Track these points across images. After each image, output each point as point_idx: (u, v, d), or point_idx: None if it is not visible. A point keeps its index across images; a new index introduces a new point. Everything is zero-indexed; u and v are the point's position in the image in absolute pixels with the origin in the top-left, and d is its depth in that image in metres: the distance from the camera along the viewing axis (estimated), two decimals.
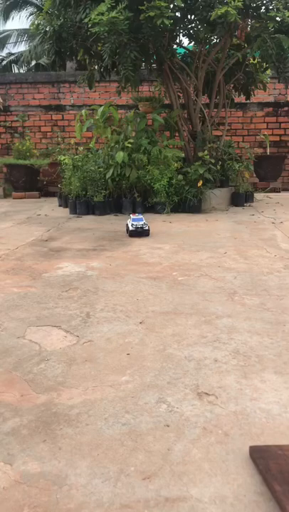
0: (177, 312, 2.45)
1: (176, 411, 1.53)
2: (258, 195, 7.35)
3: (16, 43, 17.50)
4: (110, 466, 1.28)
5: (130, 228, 4.34)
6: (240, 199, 6.38)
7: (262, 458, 1.24)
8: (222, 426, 1.45)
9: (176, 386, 1.69)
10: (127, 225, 4.47)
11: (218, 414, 1.51)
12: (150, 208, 5.79)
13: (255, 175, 8.30)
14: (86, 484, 1.22)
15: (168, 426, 1.45)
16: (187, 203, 5.73)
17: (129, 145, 5.64)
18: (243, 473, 1.24)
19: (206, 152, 5.71)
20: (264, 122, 9.01)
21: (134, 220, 4.41)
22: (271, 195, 7.79)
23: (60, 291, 2.79)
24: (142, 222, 4.36)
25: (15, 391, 1.68)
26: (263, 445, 1.31)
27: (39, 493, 1.19)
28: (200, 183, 5.64)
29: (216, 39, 6.22)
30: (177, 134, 6.67)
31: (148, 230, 4.38)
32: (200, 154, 5.74)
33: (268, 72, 6.77)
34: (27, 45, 16.16)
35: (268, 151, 8.58)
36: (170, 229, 4.81)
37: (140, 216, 4.47)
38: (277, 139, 9.04)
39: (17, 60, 15.83)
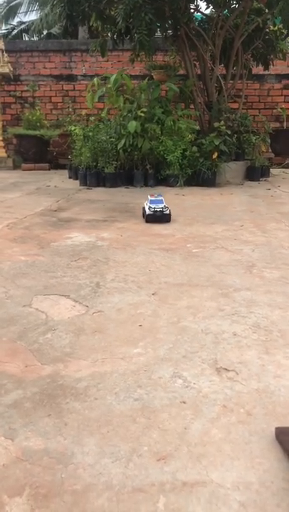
0: (192, 284, 2.31)
1: (193, 387, 1.40)
2: (273, 171, 7.09)
3: (26, 12, 17.03)
4: (121, 445, 1.16)
5: (147, 212, 3.61)
6: (255, 173, 6.16)
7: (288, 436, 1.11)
8: (244, 404, 1.31)
9: (193, 360, 1.56)
10: (144, 208, 3.75)
11: (239, 392, 1.38)
12: (162, 180, 5.60)
13: (270, 150, 8.03)
14: (94, 464, 1.10)
15: (184, 403, 1.32)
16: (201, 176, 5.53)
17: (142, 114, 5.41)
18: (269, 457, 1.12)
19: (222, 123, 5.47)
20: (281, 95, 8.67)
21: (152, 202, 3.64)
22: (287, 170, 7.53)
23: (69, 261, 2.66)
24: (161, 205, 3.60)
25: (19, 361, 1.56)
26: None
27: (42, 471, 1.08)
28: (215, 155, 5.43)
29: (236, 3, 5.90)
30: (192, 105, 6.42)
31: (169, 214, 3.62)
32: (216, 125, 5.51)
33: (288, 39, 6.44)
34: (38, 14, 15.71)
35: (285, 125, 8.27)
36: (183, 202, 4.63)
37: (160, 198, 3.69)
38: None
39: (28, 29, 15.40)
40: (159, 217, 3.60)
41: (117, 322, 1.87)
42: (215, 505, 0.97)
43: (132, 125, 5.28)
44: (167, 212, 3.62)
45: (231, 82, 6.44)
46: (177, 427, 1.22)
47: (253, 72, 7.29)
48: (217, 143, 5.38)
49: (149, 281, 2.35)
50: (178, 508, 0.97)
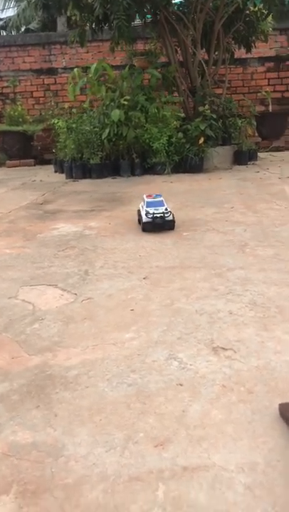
0: (184, 266, 2.23)
1: (189, 368, 1.32)
2: (261, 154, 7.01)
3: (3, 9, 16.77)
4: (115, 433, 1.08)
5: (144, 219, 2.79)
6: (243, 157, 6.07)
7: None
8: (244, 383, 1.24)
9: (188, 341, 1.48)
10: (138, 212, 2.99)
11: (238, 370, 1.30)
12: (149, 169, 5.50)
13: (257, 134, 7.95)
14: (87, 455, 1.02)
15: (181, 385, 1.25)
16: (188, 163, 5.43)
17: (126, 102, 5.30)
18: (274, 435, 1.04)
19: (206, 107, 5.37)
20: (265, 78, 8.57)
21: (149, 204, 2.84)
22: (275, 153, 7.46)
23: (55, 251, 2.56)
24: (162, 209, 2.81)
25: (4, 353, 1.47)
26: None
27: (31, 466, 0.99)
28: (201, 140, 5.33)
29: None
30: (176, 92, 6.31)
31: (173, 221, 2.84)
32: (201, 109, 5.40)
33: (269, 19, 6.34)
34: (15, 10, 15.47)
35: (270, 108, 8.19)
36: (171, 188, 4.54)
37: (159, 198, 2.89)
38: (279, 95, 8.61)
39: (5, 25, 15.16)
40: (160, 225, 2.79)
41: (107, 308, 1.79)
42: (219, 490, 0.89)
43: (116, 114, 5.17)
44: (170, 218, 2.81)
45: (214, 67, 6.34)
46: (175, 411, 1.14)
47: (236, 56, 7.18)
48: (203, 128, 5.28)
49: (139, 266, 2.27)
50: (179, 496, 0.89)
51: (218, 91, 6.77)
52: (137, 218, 3.06)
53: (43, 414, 1.17)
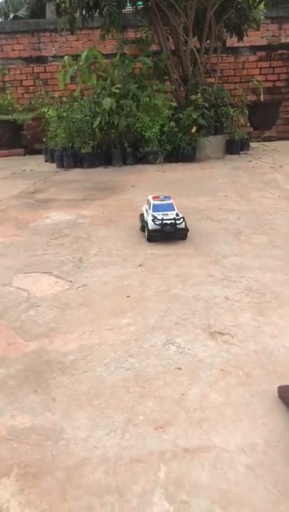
0: (179, 254, 2.22)
1: (187, 352, 1.32)
2: (253, 144, 7.00)
3: None
4: (115, 416, 1.08)
5: (151, 226, 2.35)
6: (235, 146, 6.06)
7: None
8: (242, 366, 1.24)
9: (185, 326, 1.48)
10: (142, 217, 2.57)
11: (236, 354, 1.30)
12: (142, 158, 5.47)
13: (249, 123, 7.93)
14: (87, 438, 1.02)
15: (180, 369, 1.25)
16: (181, 152, 5.41)
17: (117, 91, 5.25)
18: (274, 416, 1.05)
19: (198, 95, 5.34)
20: (257, 68, 8.55)
21: (156, 208, 2.42)
22: (266, 143, 7.45)
23: (49, 239, 2.54)
24: (172, 214, 2.39)
25: (0, 340, 1.46)
26: None
27: (30, 450, 0.99)
28: (194, 129, 5.31)
29: None
30: (168, 81, 6.26)
31: (185, 229, 2.38)
32: (193, 98, 5.37)
33: (261, 7, 6.30)
34: None
35: (262, 97, 8.17)
36: (164, 177, 4.52)
37: (168, 201, 2.49)
38: (270, 85, 8.60)
39: None
40: (170, 234, 2.33)
41: (103, 295, 1.78)
42: (220, 470, 0.90)
43: (107, 102, 5.12)
44: (182, 225, 2.36)
45: (205, 56, 6.30)
46: (174, 394, 1.14)
47: (228, 45, 7.14)
48: (195, 116, 5.26)
49: (134, 253, 2.26)
50: (180, 476, 0.89)
51: (210, 80, 6.73)
52: (139, 224, 2.59)
53: (41, 398, 1.16)
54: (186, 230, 2.38)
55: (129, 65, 5.60)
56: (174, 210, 2.43)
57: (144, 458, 0.94)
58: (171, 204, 2.48)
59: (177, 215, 2.39)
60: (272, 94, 8.65)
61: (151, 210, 2.42)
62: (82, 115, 5.38)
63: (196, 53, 6.03)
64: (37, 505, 0.85)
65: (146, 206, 2.57)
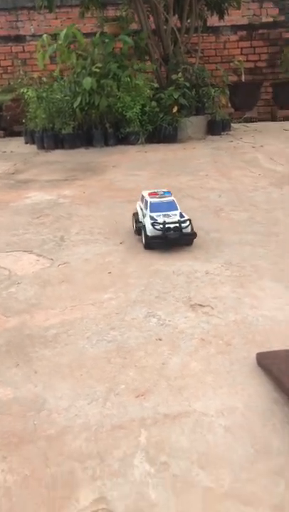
0: None
1: (168, 324, 1.34)
2: (234, 125, 6.99)
3: None
4: (97, 386, 1.09)
5: (150, 231, 1.91)
6: (217, 127, 6.04)
7: (273, 363, 1.07)
8: (222, 336, 1.26)
9: (166, 300, 1.49)
10: (135, 216, 2.14)
11: (216, 325, 1.32)
12: (123, 139, 5.41)
13: (230, 104, 7.91)
14: (69, 407, 1.02)
15: (160, 340, 1.26)
16: (162, 132, 5.37)
17: (97, 70, 5.16)
18: (253, 382, 1.07)
19: (180, 74, 5.29)
20: (238, 47, 8.48)
21: (155, 207, 1.99)
22: (248, 124, 7.45)
23: (29, 219, 2.52)
24: (175, 215, 1.96)
25: None
26: (272, 351, 1.13)
27: (13, 421, 0.99)
28: (175, 109, 5.27)
29: None
30: (149, 61, 6.18)
31: (193, 233, 1.94)
32: (174, 77, 5.32)
33: None
34: None
35: (243, 78, 8.14)
36: (146, 158, 4.50)
37: (169, 197, 2.04)
38: (251, 65, 8.56)
39: None
40: (175, 240, 1.90)
41: (84, 272, 1.78)
42: (200, 433, 0.92)
43: (87, 81, 5.04)
44: (189, 229, 1.92)
45: (186, 35, 6.23)
46: (155, 364, 1.15)
47: (208, 24, 7.07)
48: (176, 96, 5.22)
49: (115, 231, 2.25)
50: (161, 440, 0.91)
51: (192, 60, 6.67)
52: (133, 226, 2.15)
53: (23, 371, 1.16)
54: (193, 234, 1.92)
55: (109, 43, 5.51)
56: (176, 209, 1.98)
57: (125, 425, 0.95)
58: (173, 202, 2.01)
59: (181, 215, 1.95)
60: (253, 74, 8.60)
61: (148, 210, 1.97)
62: (63, 95, 5.29)
63: (177, 32, 5.95)
64: (19, 472, 0.86)
65: (140, 204, 2.14)
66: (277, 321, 1.32)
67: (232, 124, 6.74)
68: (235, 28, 8.39)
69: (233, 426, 0.92)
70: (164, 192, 2.10)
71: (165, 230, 1.88)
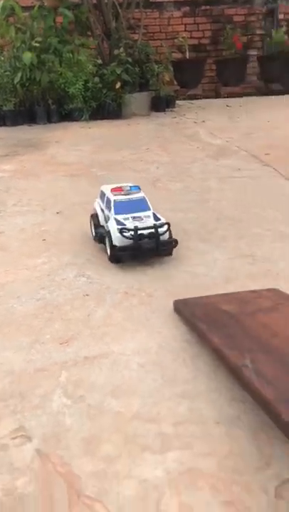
0: None
1: (96, 282, 1.41)
2: (179, 102, 7.07)
3: None
4: (23, 339, 1.15)
5: (118, 240, 1.50)
6: (161, 104, 6.09)
7: (186, 308, 1.16)
8: (145, 289, 1.35)
9: (97, 262, 1.56)
10: (94, 219, 1.74)
11: (141, 280, 1.41)
12: (67, 115, 5.36)
13: (175, 82, 7.96)
14: None
15: (87, 295, 1.33)
16: (106, 109, 5.37)
17: (37, 44, 5.07)
18: (169, 326, 1.16)
19: (121, 50, 5.29)
20: (182, 24, 8.50)
21: (120, 207, 1.60)
22: (193, 101, 7.55)
23: None
24: (148, 217, 1.58)
25: None
26: (186, 298, 1.23)
27: None
28: (118, 85, 5.27)
29: None
30: (90, 35, 6.10)
31: (172, 241, 1.56)
32: (116, 52, 5.31)
33: None
34: None
35: (187, 55, 8.19)
36: (89, 134, 4.50)
37: (137, 194, 1.67)
38: (195, 42, 8.61)
39: None
40: (151, 251, 1.51)
41: (20, 240, 1.81)
42: (116, 371, 1.00)
43: (27, 56, 4.94)
44: (166, 235, 1.54)
45: (128, 10, 6.18)
46: (80, 316, 1.23)
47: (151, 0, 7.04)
48: (119, 72, 5.21)
49: (54, 203, 2.28)
50: (80, 379, 0.98)
51: (136, 37, 6.64)
52: (91, 231, 1.74)
53: None
54: (173, 241, 1.54)
55: (48, 17, 5.40)
56: (148, 208, 1.59)
57: (47, 368, 1.02)
58: (144, 199, 1.62)
59: (156, 217, 1.57)
60: (197, 51, 8.66)
61: (112, 211, 1.57)
62: (3, 71, 5.16)
63: (118, 7, 5.90)
64: None
65: (99, 201, 1.74)
66: (197, 274, 1.42)
67: (177, 101, 6.81)
68: (178, 4, 8.39)
69: (146, 363, 1.01)
70: (131, 187, 1.67)
71: (137, 238, 1.47)
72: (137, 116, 5.65)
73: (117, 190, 1.66)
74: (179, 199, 2.26)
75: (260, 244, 1.66)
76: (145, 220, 1.54)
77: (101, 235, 1.63)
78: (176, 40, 8.34)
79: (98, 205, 1.75)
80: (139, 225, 1.51)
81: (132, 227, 1.48)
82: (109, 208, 1.62)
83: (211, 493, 0.69)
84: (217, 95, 8.41)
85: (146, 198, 1.64)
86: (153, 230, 1.49)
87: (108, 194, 1.66)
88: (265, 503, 0.67)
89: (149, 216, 1.57)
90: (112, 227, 1.52)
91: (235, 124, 4.65)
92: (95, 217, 1.73)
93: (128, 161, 3.13)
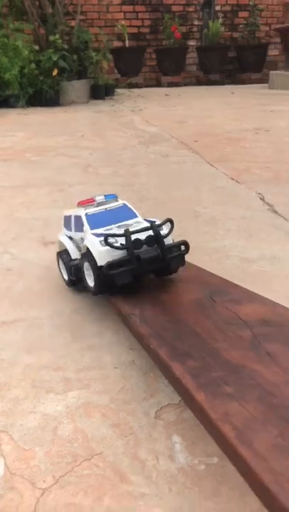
0: (29, 185, 2.36)
1: (19, 258, 1.51)
2: (119, 90, 7.16)
3: None
4: None
5: (101, 257, 1.06)
6: (100, 92, 6.16)
7: None
8: None
9: (21, 240, 1.65)
10: (63, 257, 1.29)
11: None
12: (3, 102, 5.32)
13: (116, 70, 8.02)
14: None
15: (10, 270, 1.43)
16: (44, 96, 5.37)
17: None
18: (82, 294, 1.28)
19: (57, 36, 5.29)
20: (121, 11, 8.55)
21: (95, 220, 1.19)
22: (133, 89, 7.65)
23: None
24: (138, 221, 1.18)
25: None
26: None
27: None
28: (55, 72, 5.28)
29: None
30: (26, 20, 6.04)
31: (181, 245, 1.12)
32: (51, 38, 5.31)
33: None
34: None
35: (127, 43, 8.26)
36: (26, 120, 4.51)
37: (115, 202, 1.25)
38: (135, 30, 8.70)
39: None
40: (154, 263, 1.07)
41: None
42: (31, 332, 1.11)
43: None
44: (170, 239, 1.12)
45: None
46: (1, 288, 1.32)
47: None
48: (55, 58, 5.22)
49: None
50: None
51: (74, 23, 6.63)
52: (61, 274, 1.32)
53: None
54: (184, 246, 1.12)
55: None
56: (135, 215, 1.21)
57: None
58: (125, 206, 1.24)
59: (150, 222, 1.14)
60: (137, 40, 8.75)
61: (86, 228, 1.18)
62: None
63: None
64: None
65: (65, 232, 1.34)
66: None
67: (117, 89, 6.90)
68: None
69: (60, 324, 1.13)
70: (106, 196, 1.27)
71: (132, 244, 1.05)
72: (75, 104, 5.70)
73: (85, 202, 1.25)
74: (106, 182, 2.38)
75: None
76: (135, 225, 1.14)
77: (76, 268, 1.19)
78: (115, 28, 8.39)
79: (65, 237, 1.30)
80: (131, 228, 1.09)
81: (121, 233, 1.07)
82: (80, 227, 1.21)
83: (101, 419, 0.83)
84: (158, 84, 8.56)
85: (129, 205, 1.25)
86: (151, 232, 1.08)
87: (75, 212, 1.26)
88: (146, 423, 0.81)
89: (139, 222, 1.17)
90: (92, 242, 1.09)
91: (170, 113, 4.81)
92: (63, 253, 1.28)
93: (62, 147, 3.21)
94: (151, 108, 5.20)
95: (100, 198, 1.25)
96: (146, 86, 8.49)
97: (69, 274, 1.24)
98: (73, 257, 1.24)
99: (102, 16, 8.47)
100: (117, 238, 1.07)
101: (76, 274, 1.20)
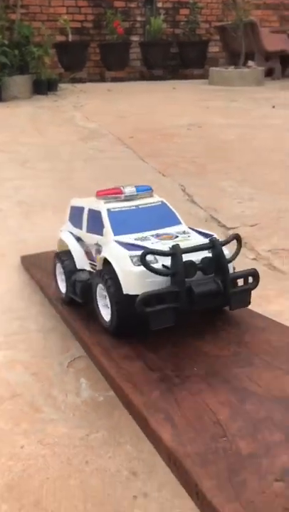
0: None
1: None
2: (63, 85, 7.24)
3: None
4: None
5: (134, 283, 0.77)
6: (43, 87, 6.22)
7: (29, 261, 1.47)
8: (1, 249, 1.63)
9: None
10: (63, 262, 1.00)
11: None
12: None
13: (60, 65, 8.08)
14: None
15: None
16: None
17: None
18: (15, 277, 1.46)
19: None
20: (63, 6, 8.59)
21: (119, 219, 0.88)
22: (77, 84, 7.75)
23: None
24: (183, 233, 0.87)
25: None
26: (30, 254, 1.53)
27: None
28: None
29: None
30: None
31: (248, 275, 0.86)
32: None
33: None
34: None
35: (70, 38, 8.32)
36: None
37: (153, 197, 0.95)
38: (78, 25, 8.77)
39: None
40: (211, 298, 0.79)
41: None
42: None
43: None
44: (231, 265, 0.85)
45: None
46: None
47: None
48: None
49: None
50: None
51: (14, 17, 6.64)
52: (58, 287, 1.09)
53: None
54: (253, 274, 0.87)
55: None
56: (179, 221, 0.94)
57: None
58: (166, 207, 0.97)
59: (201, 234, 0.90)
60: (80, 34, 8.81)
61: (108, 231, 0.89)
62: None
63: None
64: None
65: (70, 227, 1.07)
66: (45, 237, 1.73)
67: (60, 84, 6.97)
68: None
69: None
70: (138, 188, 0.97)
71: (183, 270, 0.77)
72: (18, 99, 5.75)
73: (110, 192, 0.94)
74: (44, 176, 2.54)
75: None
76: (183, 238, 0.84)
77: (83, 288, 0.90)
78: (58, 22, 8.42)
79: (69, 235, 1.02)
80: (181, 245, 0.79)
81: (166, 250, 0.78)
82: (97, 227, 0.91)
83: (23, 370, 1.02)
84: (102, 79, 8.68)
85: (169, 204, 0.97)
86: (209, 253, 0.81)
87: (91, 205, 0.96)
88: (60, 371, 1.02)
89: (186, 233, 0.87)
90: (116, 255, 0.81)
91: (111, 109, 4.98)
92: (64, 257, 1.00)
93: (0, 143, 3.32)
94: (93, 104, 5.36)
95: (129, 190, 0.93)
96: (90, 81, 8.58)
97: (71, 291, 0.92)
98: (79, 266, 0.94)
99: (45, 10, 8.48)
100: (156, 256, 0.76)
101: (83, 295, 0.88)
